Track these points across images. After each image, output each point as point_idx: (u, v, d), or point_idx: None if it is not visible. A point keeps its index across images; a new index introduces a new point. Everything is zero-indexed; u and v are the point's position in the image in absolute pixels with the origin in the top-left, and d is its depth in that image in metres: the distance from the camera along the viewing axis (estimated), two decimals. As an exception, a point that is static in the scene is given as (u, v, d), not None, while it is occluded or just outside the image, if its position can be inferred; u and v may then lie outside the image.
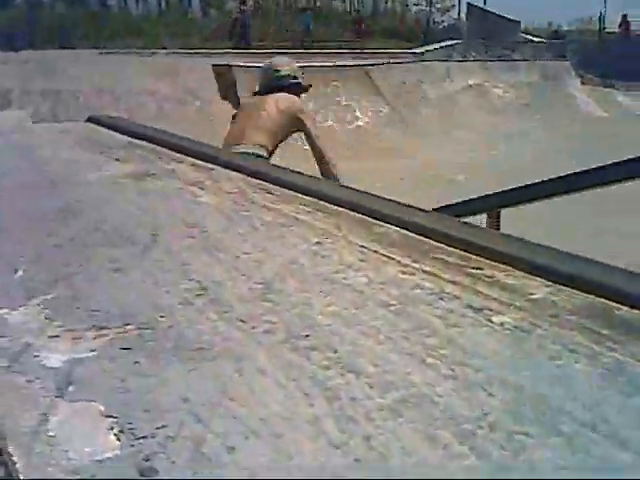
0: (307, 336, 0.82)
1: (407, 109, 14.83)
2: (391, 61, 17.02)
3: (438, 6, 48.12)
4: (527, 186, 3.43)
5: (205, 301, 0.93)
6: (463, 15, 35.49)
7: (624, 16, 30.98)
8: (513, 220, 3.48)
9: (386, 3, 53.18)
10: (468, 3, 32.78)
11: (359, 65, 14.98)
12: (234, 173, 1.55)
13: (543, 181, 3.34)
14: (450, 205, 3.93)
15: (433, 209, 4.01)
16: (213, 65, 13.42)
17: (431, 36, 31.59)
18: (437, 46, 22.54)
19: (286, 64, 4.50)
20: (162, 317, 0.88)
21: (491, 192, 3.66)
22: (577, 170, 3.16)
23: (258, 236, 1.18)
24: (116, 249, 1.13)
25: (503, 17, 27.85)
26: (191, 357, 0.78)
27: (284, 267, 1.03)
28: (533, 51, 23.89)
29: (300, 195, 1.38)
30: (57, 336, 0.84)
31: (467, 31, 28.73)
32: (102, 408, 0.68)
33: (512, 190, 3.55)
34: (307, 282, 0.97)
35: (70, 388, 0.73)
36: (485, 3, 36.34)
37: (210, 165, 1.63)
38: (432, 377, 0.72)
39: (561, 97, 19.39)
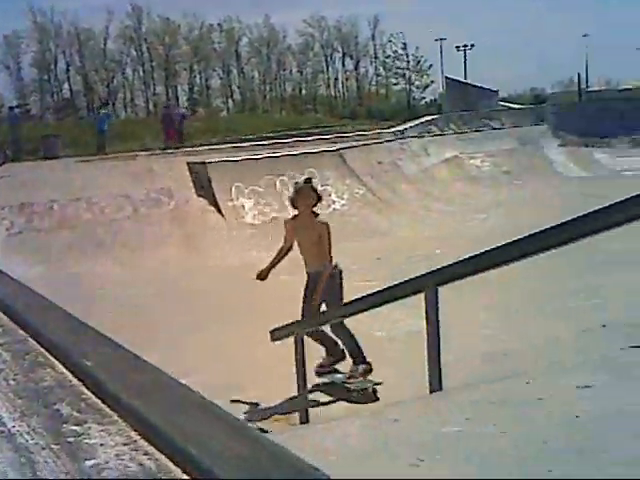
0: None
1: (384, 188, 14.81)
2: (368, 142, 17.16)
3: (417, 84, 49.42)
4: (462, 261, 3.26)
5: None
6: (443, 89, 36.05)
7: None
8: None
9: (370, 85, 54.86)
10: (446, 77, 33.17)
11: (332, 150, 15.05)
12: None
13: (475, 255, 3.18)
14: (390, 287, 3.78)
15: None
16: (188, 163, 13.45)
17: (414, 113, 31.96)
18: (417, 122, 22.69)
19: None
20: None
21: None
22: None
23: None
24: None
25: (481, 87, 28.12)
26: None
27: None
28: (512, 118, 24.00)
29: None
30: None
31: (447, 104, 29.00)
32: None
33: (446, 267, 3.38)
34: None
35: None
36: (465, 77, 36.77)
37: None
38: None
39: (540, 161, 19.46)
